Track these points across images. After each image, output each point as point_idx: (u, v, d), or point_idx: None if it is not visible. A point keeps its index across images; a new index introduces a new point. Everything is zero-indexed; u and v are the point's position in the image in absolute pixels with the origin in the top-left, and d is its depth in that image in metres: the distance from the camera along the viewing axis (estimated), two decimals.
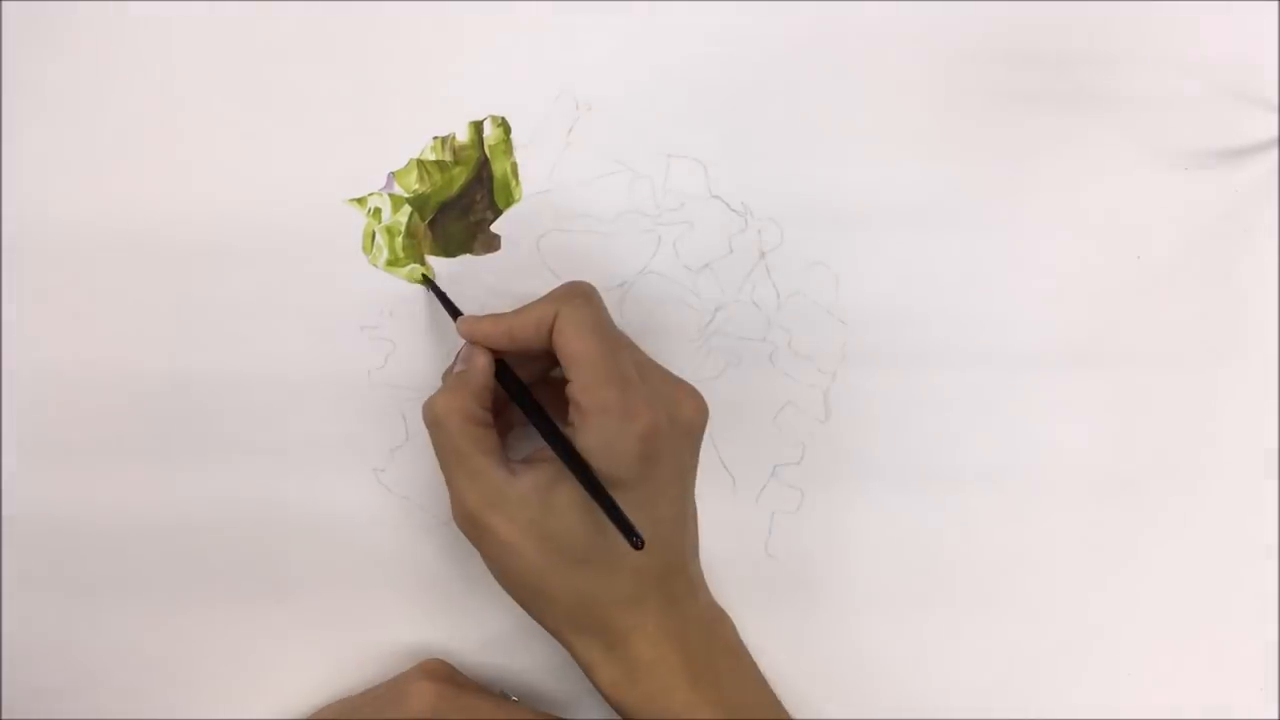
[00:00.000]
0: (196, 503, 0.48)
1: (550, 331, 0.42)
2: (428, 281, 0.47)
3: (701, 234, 0.50)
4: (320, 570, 0.49)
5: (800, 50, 0.50)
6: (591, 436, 0.41)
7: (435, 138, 0.45)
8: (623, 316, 0.49)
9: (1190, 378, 0.50)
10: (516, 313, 0.43)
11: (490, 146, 0.46)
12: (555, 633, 0.44)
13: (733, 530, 0.49)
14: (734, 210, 0.50)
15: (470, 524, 0.42)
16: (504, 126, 0.46)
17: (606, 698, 0.43)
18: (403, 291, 0.49)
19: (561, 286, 0.44)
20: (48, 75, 0.49)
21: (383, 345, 0.49)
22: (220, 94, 0.49)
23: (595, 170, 0.49)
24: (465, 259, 0.49)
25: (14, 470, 0.48)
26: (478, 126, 0.46)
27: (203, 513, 0.48)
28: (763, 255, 0.50)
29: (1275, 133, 0.51)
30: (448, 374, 0.46)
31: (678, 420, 0.43)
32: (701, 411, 0.44)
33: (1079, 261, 0.51)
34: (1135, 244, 0.51)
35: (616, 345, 0.43)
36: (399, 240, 0.45)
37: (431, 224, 0.48)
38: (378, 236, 0.46)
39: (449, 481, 0.43)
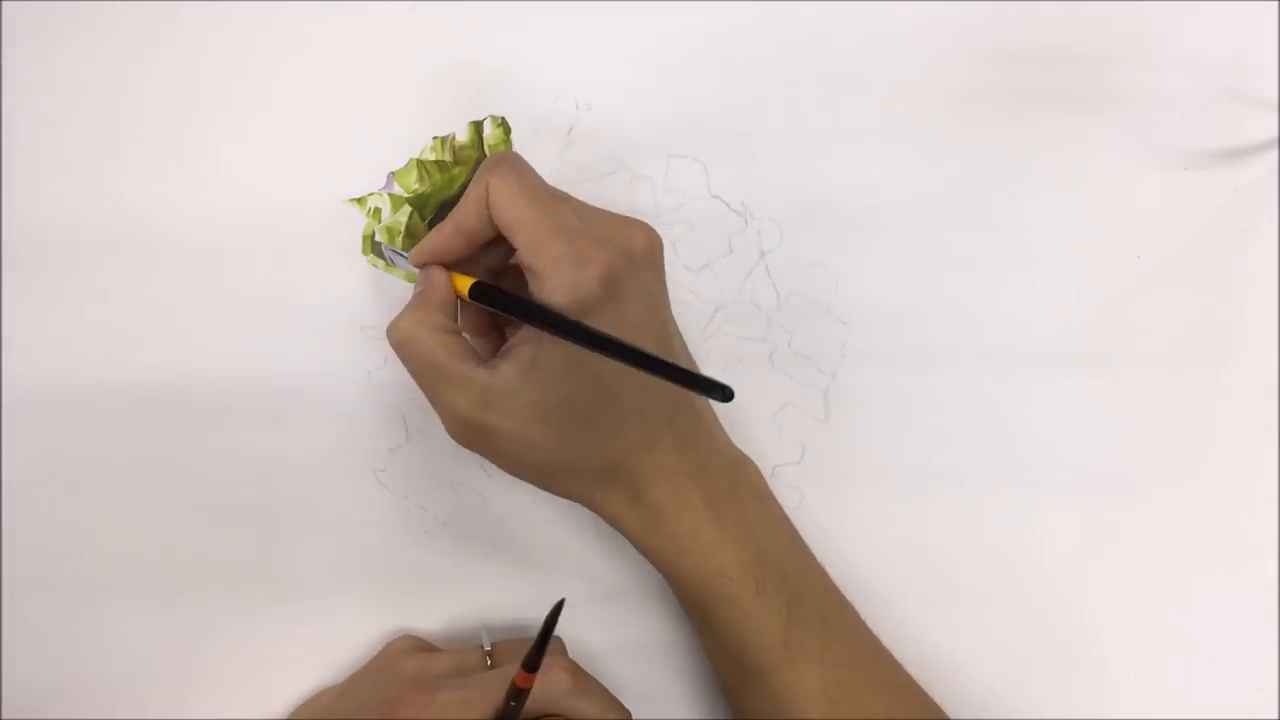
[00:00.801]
0: (196, 503, 0.48)
1: (489, 217, 0.41)
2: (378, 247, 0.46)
3: (701, 234, 0.50)
4: (320, 570, 0.49)
5: (800, 51, 0.51)
6: (553, 294, 0.40)
7: (435, 137, 0.45)
8: None
9: (1190, 377, 0.50)
10: (457, 208, 0.43)
11: (490, 146, 0.46)
12: (583, 498, 0.43)
13: None
14: (734, 210, 0.50)
15: (469, 431, 0.41)
16: (504, 126, 0.46)
17: (637, 546, 0.43)
18: (402, 291, 0.49)
19: (484, 163, 0.43)
20: (48, 75, 0.49)
21: (382, 345, 0.49)
22: (220, 94, 0.49)
23: (595, 170, 0.50)
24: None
25: (14, 471, 0.48)
26: (477, 126, 0.46)
27: (202, 513, 0.48)
28: (763, 255, 0.50)
29: (1275, 133, 0.51)
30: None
31: (633, 255, 0.41)
32: (653, 240, 0.42)
33: (1079, 261, 0.51)
34: (1135, 244, 0.51)
35: (552, 201, 0.41)
36: (398, 240, 0.45)
37: (431, 224, 0.47)
38: (377, 236, 0.46)
39: (435, 398, 0.42)
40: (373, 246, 0.46)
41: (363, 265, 0.48)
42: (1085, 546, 0.50)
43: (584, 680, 0.44)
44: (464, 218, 0.42)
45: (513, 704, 0.40)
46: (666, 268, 0.43)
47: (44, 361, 0.48)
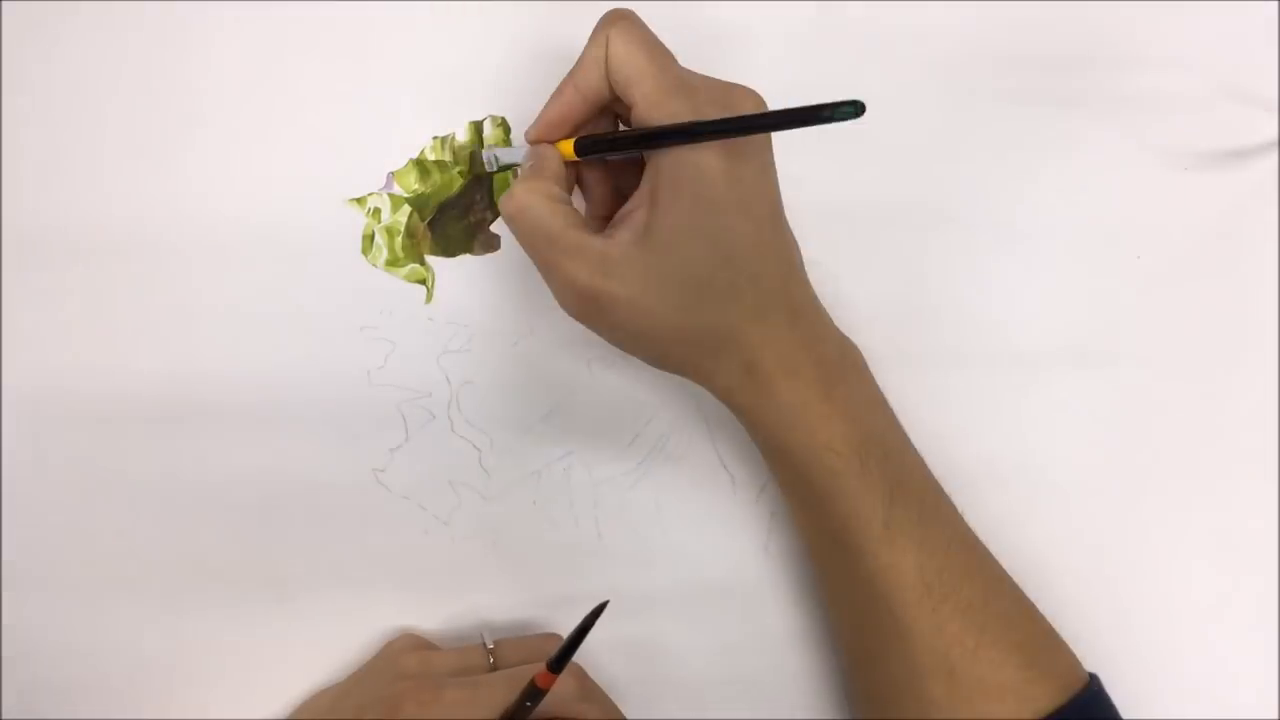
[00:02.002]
0: (196, 503, 0.48)
1: (606, 64, 0.41)
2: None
3: None
4: (320, 570, 0.49)
5: (800, 50, 0.51)
6: (669, 158, 0.40)
7: (434, 137, 0.45)
8: None
9: (1190, 377, 0.50)
10: (572, 70, 0.42)
11: (489, 146, 0.46)
12: (695, 371, 0.43)
13: (733, 530, 0.49)
14: None
15: (586, 300, 0.41)
16: (504, 126, 0.46)
17: (745, 420, 0.43)
18: (402, 291, 0.49)
19: (600, 18, 0.42)
20: (48, 75, 0.49)
21: (382, 345, 0.49)
22: (220, 94, 0.49)
23: None
24: (464, 259, 0.49)
25: (15, 471, 0.48)
26: (477, 126, 0.46)
27: (202, 513, 0.48)
28: None
29: (1276, 134, 0.51)
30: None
31: (743, 112, 0.41)
32: (760, 103, 0.42)
33: (1079, 262, 0.51)
34: (1135, 244, 0.51)
35: (670, 58, 0.41)
36: (398, 240, 0.45)
37: (431, 224, 0.48)
38: (377, 236, 0.46)
39: (548, 268, 0.41)
40: (471, 158, 0.45)
41: (363, 265, 0.48)
42: (1085, 546, 0.50)
43: (590, 686, 0.44)
44: (582, 76, 0.41)
45: (528, 704, 0.40)
46: None
47: (44, 361, 0.48)
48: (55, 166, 0.49)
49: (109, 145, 0.49)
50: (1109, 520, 0.50)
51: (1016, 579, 0.49)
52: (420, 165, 0.45)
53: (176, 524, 0.48)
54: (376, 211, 0.46)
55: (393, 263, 0.48)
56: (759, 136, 0.41)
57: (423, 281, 0.48)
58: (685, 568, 0.49)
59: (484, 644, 0.46)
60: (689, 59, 0.50)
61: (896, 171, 0.51)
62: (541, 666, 0.39)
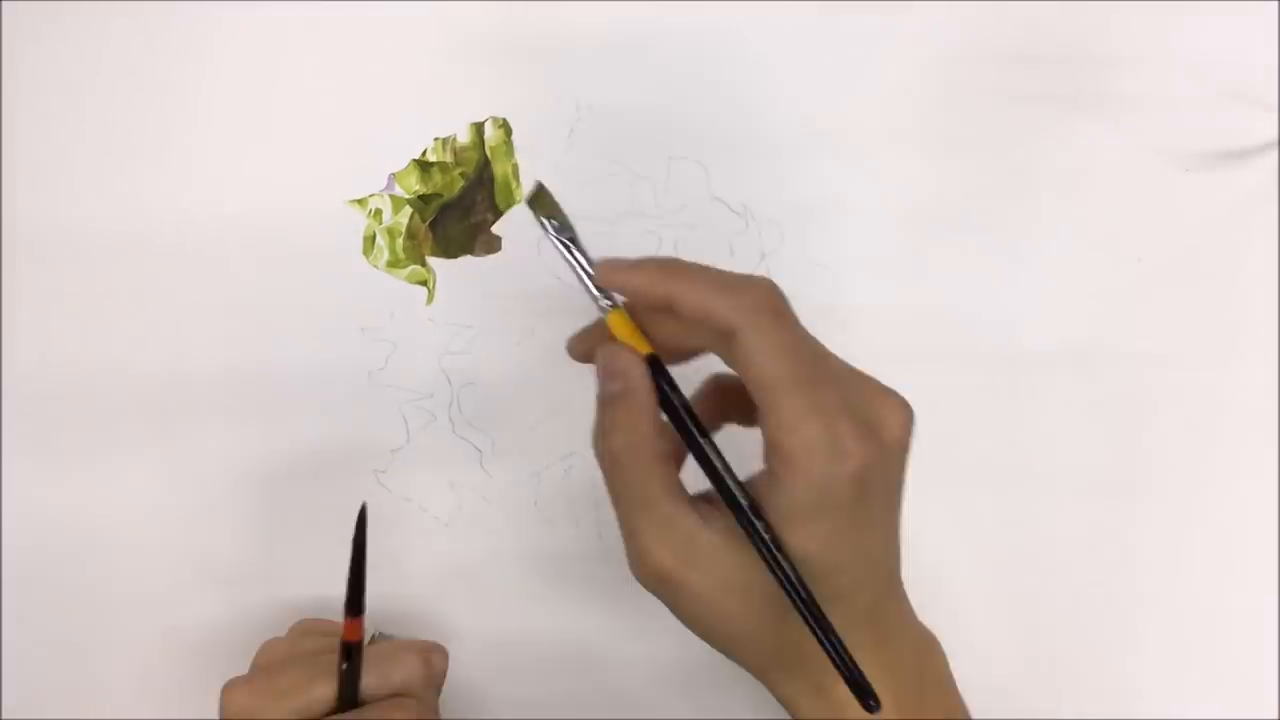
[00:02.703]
0: (196, 503, 0.48)
1: (717, 332, 0.36)
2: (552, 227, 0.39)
3: (702, 236, 0.50)
4: (320, 570, 0.49)
5: (801, 51, 0.51)
6: (799, 488, 0.36)
7: (436, 139, 0.45)
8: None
9: (1190, 377, 0.50)
10: (688, 283, 0.36)
11: (491, 148, 0.46)
12: (757, 673, 0.40)
13: None
14: (735, 212, 0.50)
15: (660, 581, 0.37)
16: (505, 128, 0.46)
17: None
18: (403, 292, 0.49)
19: (742, 290, 0.37)
20: (48, 75, 0.49)
21: (383, 346, 0.49)
22: (220, 94, 0.49)
23: (596, 172, 0.49)
24: (466, 260, 0.49)
25: (14, 470, 0.48)
26: (479, 128, 0.46)
27: (202, 513, 0.48)
28: (764, 257, 0.50)
29: (1275, 134, 0.51)
30: (601, 394, 0.39)
31: (887, 444, 0.37)
32: (909, 425, 0.38)
33: (1079, 261, 0.51)
34: (1135, 244, 0.51)
35: (814, 365, 0.37)
36: (399, 241, 0.45)
37: (432, 225, 0.48)
38: (378, 238, 0.46)
39: (632, 532, 0.37)
40: (541, 201, 0.39)
41: (364, 266, 0.48)
42: (1085, 547, 0.50)
43: (441, 664, 0.42)
44: (689, 309, 0.36)
45: (344, 665, 0.39)
46: None
47: (44, 361, 0.48)
48: (55, 166, 0.49)
49: (109, 145, 0.49)
50: (1109, 520, 0.50)
51: (1016, 579, 0.49)
52: (421, 166, 0.45)
53: (176, 524, 0.48)
54: (378, 212, 0.46)
55: (394, 264, 0.48)
56: (899, 453, 0.38)
57: (424, 283, 0.48)
58: None
59: (373, 638, 0.45)
60: (689, 59, 0.50)
61: (897, 171, 0.50)
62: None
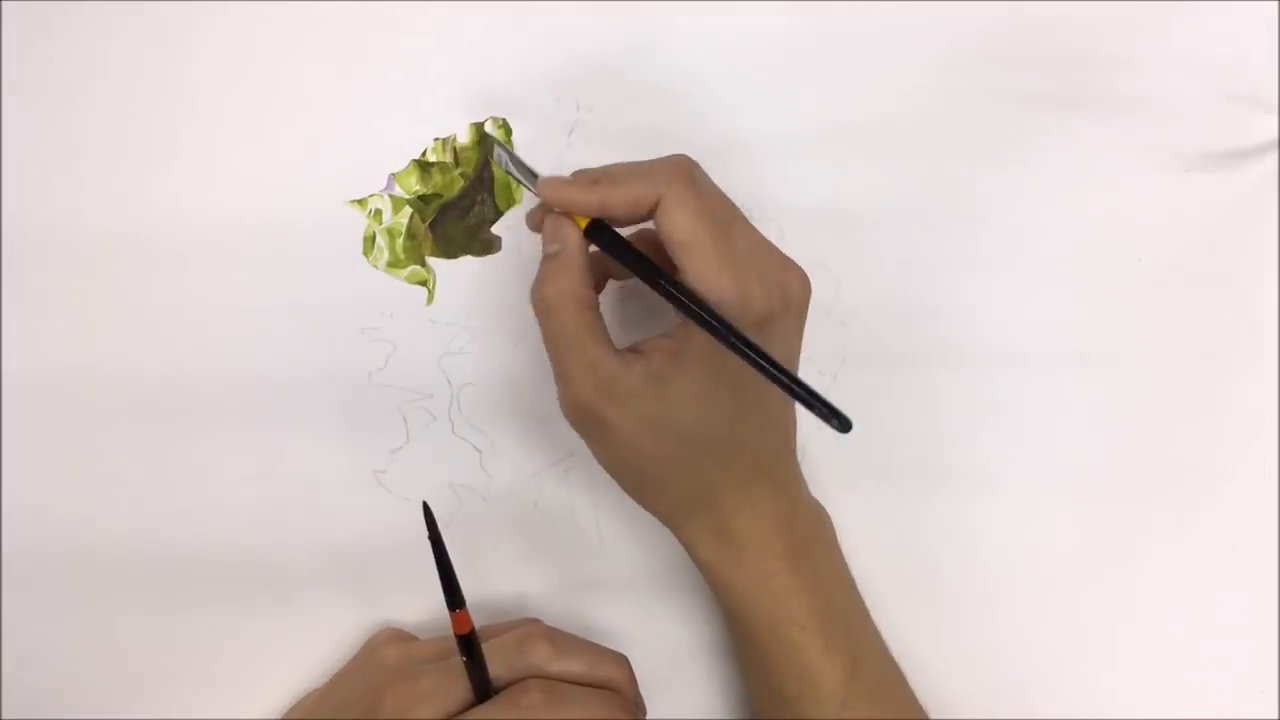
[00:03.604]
0: (196, 503, 0.48)
1: (648, 210, 0.41)
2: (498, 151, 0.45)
3: None
4: (320, 571, 0.49)
5: (800, 51, 0.50)
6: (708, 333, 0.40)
7: (436, 139, 0.45)
8: (624, 317, 0.49)
9: (1190, 378, 0.50)
10: (609, 183, 0.41)
11: (506, 149, 0.46)
12: (664, 516, 0.44)
13: None
14: None
15: (583, 415, 0.41)
16: (505, 128, 0.46)
17: (708, 577, 0.44)
18: (403, 292, 0.49)
19: (660, 163, 0.42)
20: (48, 75, 0.49)
21: (383, 346, 0.49)
22: (220, 94, 0.49)
23: None
24: (466, 260, 0.49)
25: (14, 470, 0.48)
26: (478, 127, 0.46)
27: (203, 513, 0.48)
28: None
29: (1275, 134, 0.51)
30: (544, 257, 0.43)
31: (789, 300, 0.41)
32: (807, 288, 0.42)
33: (1079, 263, 0.51)
34: (1135, 244, 0.51)
35: (726, 225, 0.41)
36: (399, 242, 0.45)
37: (432, 225, 0.48)
38: (378, 238, 0.46)
39: (561, 371, 0.42)
40: (485, 138, 0.45)
41: (364, 267, 0.48)
42: (1085, 547, 0.50)
43: (564, 641, 0.44)
44: (615, 204, 0.41)
45: (465, 658, 0.41)
46: None
47: (44, 361, 0.48)
48: (55, 167, 0.49)
49: (109, 145, 0.49)
50: (1109, 520, 0.50)
51: (1016, 579, 0.50)
52: (421, 166, 0.45)
53: (176, 524, 0.48)
54: (378, 213, 0.46)
55: (394, 264, 0.48)
56: (796, 313, 0.42)
57: (424, 283, 0.48)
58: (686, 570, 0.49)
59: None
60: (689, 59, 0.50)
61: (896, 171, 0.50)
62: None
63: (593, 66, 0.50)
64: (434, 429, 0.49)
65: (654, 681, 0.48)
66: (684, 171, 0.42)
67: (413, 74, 0.49)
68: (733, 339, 0.38)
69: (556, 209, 0.42)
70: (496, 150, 0.45)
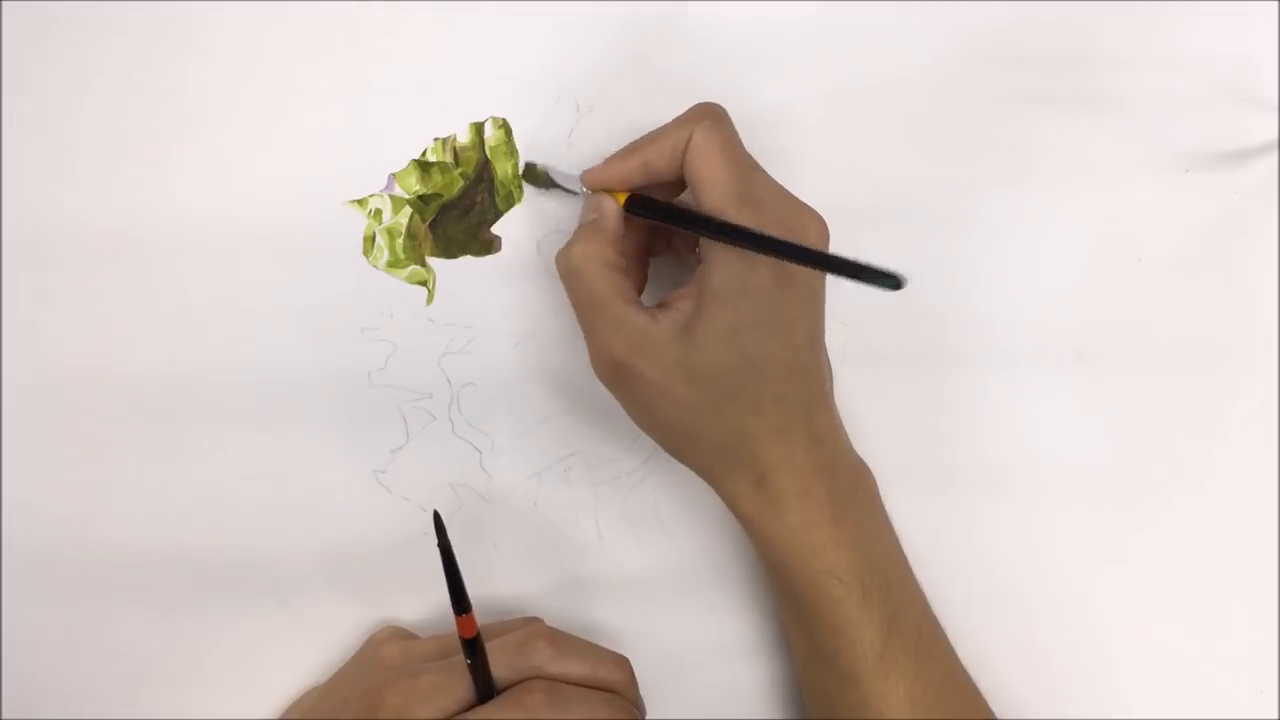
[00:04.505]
0: (196, 503, 0.48)
1: (683, 156, 0.42)
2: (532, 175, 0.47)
3: None
4: (320, 571, 0.49)
5: (800, 51, 0.50)
6: (729, 267, 0.41)
7: (436, 139, 0.45)
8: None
9: (1191, 378, 0.50)
10: (648, 140, 0.43)
11: (491, 148, 0.46)
12: (704, 470, 0.44)
13: (733, 530, 0.49)
14: None
15: (616, 372, 0.42)
16: (505, 128, 0.46)
17: (749, 530, 0.44)
18: (403, 293, 0.49)
19: (691, 109, 0.44)
20: (48, 75, 0.49)
21: (383, 346, 0.49)
22: (220, 94, 0.49)
23: None
24: (466, 260, 0.49)
25: (14, 470, 0.48)
26: (478, 128, 0.46)
27: (203, 513, 0.48)
28: None
29: (1275, 134, 0.51)
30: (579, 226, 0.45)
31: (805, 240, 0.42)
32: (824, 232, 0.43)
33: (1079, 261, 0.51)
34: (1135, 244, 0.51)
35: (748, 168, 0.43)
36: (399, 242, 0.45)
37: (432, 225, 0.48)
38: (378, 238, 0.46)
39: (590, 331, 0.43)
40: (528, 171, 0.47)
41: (364, 267, 0.48)
42: (1085, 547, 0.50)
43: (565, 642, 0.44)
44: (655, 157, 0.43)
45: (470, 660, 0.41)
46: None
47: (44, 361, 0.48)
48: (55, 167, 0.49)
49: (109, 145, 0.49)
50: (1109, 520, 0.50)
51: (1016, 579, 0.50)
52: (421, 166, 0.45)
53: (176, 524, 0.48)
54: (378, 213, 0.46)
55: (394, 264, 0.48)
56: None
57: (424, 283, 0.48)
58: (686, 570, 0.49)
59: None
60: (688, 59, 0.50)
61: (896, 171, 0.50)
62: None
63: (593, 66, 0.50)
64: (434, 429, 0.49)
65: (654, 682, 0.48)
66: (715, 111, 0.43)
67: (413, 74, 0.49)
68: (766, 244, 0.40)
69: (610, 189, 0.44)
70: (543, 176, 0.47)
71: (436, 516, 0.40)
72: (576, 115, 0.49)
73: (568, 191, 0.47)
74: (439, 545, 0.40)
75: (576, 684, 0.43)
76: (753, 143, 0.50)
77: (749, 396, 0.41)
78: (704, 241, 0.42)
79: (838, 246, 0.49)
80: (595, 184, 0.44)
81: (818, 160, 0.50)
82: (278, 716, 0.48)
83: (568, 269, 0.43)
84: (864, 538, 0.43)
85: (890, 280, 0.37)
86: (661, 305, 0.43)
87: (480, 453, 0.49)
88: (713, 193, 0.41)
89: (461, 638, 0.41)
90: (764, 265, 0.41)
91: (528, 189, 0.47)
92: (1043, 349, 0.50)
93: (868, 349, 0.50)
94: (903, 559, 0.45)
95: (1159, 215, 0.51)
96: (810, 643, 0.44)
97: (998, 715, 0.48)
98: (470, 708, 0.41)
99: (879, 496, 0.45)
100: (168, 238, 0.49)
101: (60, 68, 0.49)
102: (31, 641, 0.48)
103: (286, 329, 0.49)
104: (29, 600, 0.48)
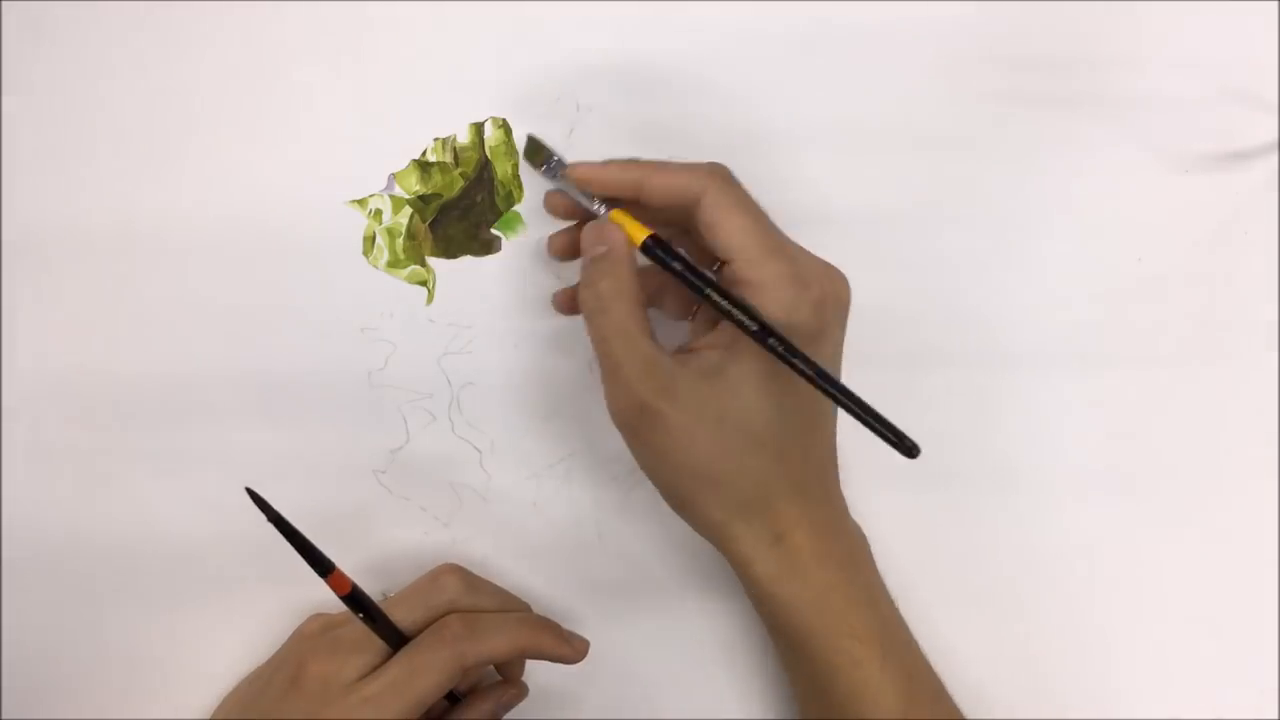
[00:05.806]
0: (197, 503, 0.48)
1: (684, 202, 0.41)
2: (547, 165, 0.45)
3: None
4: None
5: (800, 51, 0.50)
6: (767, 307, 0.40)
7: (436, 139, 0.45)
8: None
9: (1191, 379, 0.50)
10: (651, 167, 0.42)
11: (491, 148, 0.46)
12: (717, 526, 0.42)
13: None
14: None
15: (636, 413, 0.40)
16: (505, 128, 0.46)
17: (761, 593, 0.42)
18: (403, 293, 0.49)
19: (698, 166, 0.42)
20: (48, 75, 0.49)
21: (383, 347, 0.49)
22: (220, 94, 0.49)
23: None
24: (466, 260, 0.49)
25: (14, 471, 0.48)
26: (478, 128, 0.46)
27: (203, 513, 0.48)
28: None
29: (1275, 135, 0.51)
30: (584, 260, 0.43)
31: (839, 298, 0.42)
32: (848, 288, 0.42)
33: (1079, 261, 0.51)
34: (1135, 245, 0.51)
35: (770, 222, 0.42)
36: (399, 242, 0.45)
37: (432, 225, 0.48)
38: (378, 238, 0.46)
39: (615, 370, 0.40)
40: (530, 145, 0.45)
41: (364, 267, 0.48)
42: (1085, 547, 0.50)
43: (474, 579, 0.44)
44: (654, 186, 0.41)
45: (360, 615, 0.41)
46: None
47: (44, 361, 0.48)
48: (55, 166, 0.49)
49: (109, 145, 0.49)
50: (1109, 520, 0.50)
51: (1016, 579, 0.49)
52: (421, 166, 0.45)
53: (175, 523, 0.48)
54: (378, 213, 0.46)
55: (394, 264, 0.48)
56: (845, 312, 0.42)
57: (424, 283, 0.48)
58: (686, 569, 0.49)
59: (383, 597, 0.46)
60: (688, 59, 0.50)
61: (897, 171, 0.50)
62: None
63: (592, 66, 0.50)
64: (434, 429, 0.49)
65: (654, 681, 0.48)
66: (725, 172, 0.42)
67: (413, 74, 0.49)
68: (793, 357, 0.38)
69: (591, 189, 0.42)
70: (545, 151, 0.45)
71: (250, 492, 0.40)
72: (576, 115, 0.49)
73: (567, 192, 0.45)
74: (270, 519, 0.40)
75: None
76: (753, 143, 0.50)
77: (774, 448, 0.41)
78: (739, 280, 0.41)
79: (842, 246, 0.50)
80: (582, 180, 0.42)
81: (818, 160, 0.50)
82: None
83: (595, 305, 0.41)
84: (875, 599, 0.43)
85: (907, 449, 0.37)
86: (687, 350, 0.42)
87: (480, 453, 0.49)
88: (745, 244, 0.40)
89: (340, 597, 0.41)
90: (808, 304, 0.40)
91: (525, 181, 0.47)
92: (1043, 349, 0.50)
93: (868, 349, 0.50)
94: (902, 619, 0.45)
95: (1159, 215, 0.51)
96: (829, 706, 0.42)
97: (998, 715, 0.48)
98: (389, 657, 0.42)
99: (872, 559, 0.45)
100: (168, 238, 0.49)
101: (60, 68, 0.49)
102: (31, 641, 0.48)
103: (286, 329, 0.49)
104: (29, 600, 0.48)
